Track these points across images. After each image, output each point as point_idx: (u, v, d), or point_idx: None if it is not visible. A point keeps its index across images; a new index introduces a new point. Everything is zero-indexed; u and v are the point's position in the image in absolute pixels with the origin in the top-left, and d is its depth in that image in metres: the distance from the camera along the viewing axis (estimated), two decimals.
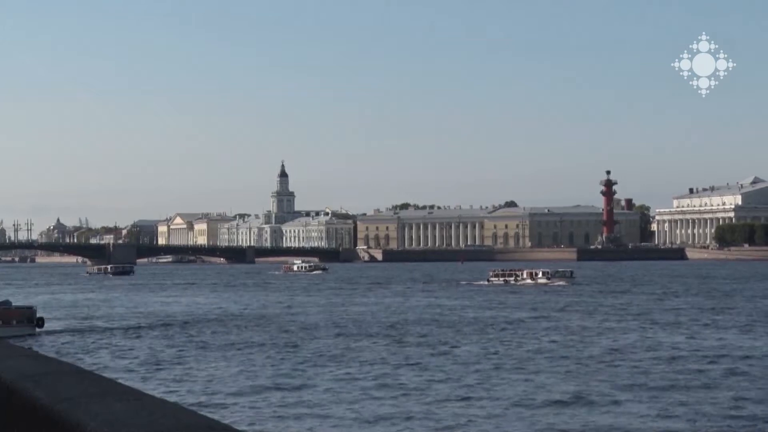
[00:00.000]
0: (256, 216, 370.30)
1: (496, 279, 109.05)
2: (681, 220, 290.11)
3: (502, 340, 44.72)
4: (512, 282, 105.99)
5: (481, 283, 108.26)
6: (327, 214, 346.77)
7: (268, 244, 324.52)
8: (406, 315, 61.87)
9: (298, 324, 55.85)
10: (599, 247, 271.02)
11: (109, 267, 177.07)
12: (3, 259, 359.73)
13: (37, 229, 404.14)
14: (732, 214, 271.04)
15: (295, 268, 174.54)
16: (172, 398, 25.51)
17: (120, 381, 5.06)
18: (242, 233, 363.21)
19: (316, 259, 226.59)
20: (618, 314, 60.11)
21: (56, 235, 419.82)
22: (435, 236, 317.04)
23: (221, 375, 34.11)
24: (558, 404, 27.07)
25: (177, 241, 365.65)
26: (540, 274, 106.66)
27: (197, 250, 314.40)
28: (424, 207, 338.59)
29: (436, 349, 41.25)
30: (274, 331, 51.21)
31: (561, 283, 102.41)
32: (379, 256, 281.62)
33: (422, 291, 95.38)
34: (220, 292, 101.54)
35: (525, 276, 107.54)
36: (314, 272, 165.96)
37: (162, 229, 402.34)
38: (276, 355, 40.06)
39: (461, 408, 26.86)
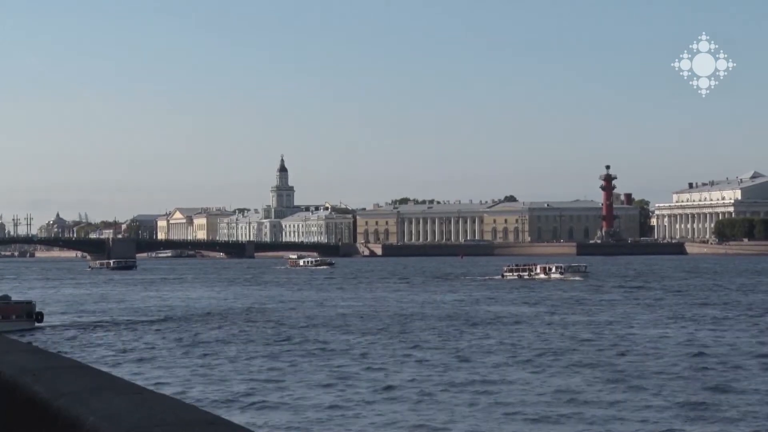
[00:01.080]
0: (256, 211, 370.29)
1: (510, 274, 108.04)
2: (680, 215, 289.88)
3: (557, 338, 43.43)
4: (526, 277, 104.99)
5: (496, 278, 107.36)
6: (326, 208, 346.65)
7: (267, 239, 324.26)
8: (444, 311, 60.10)
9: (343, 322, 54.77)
10: (599, 241, 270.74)
11: (111, 262, 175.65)
12: (2, 253, 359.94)
13: (37, 223, 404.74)
14: (731, 209, 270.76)
15: (301, 262, 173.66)
16: (173, 394, 25.49)
17: (120, 376, 4.99)
18: (242, 228, 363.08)
19: (315, 254, 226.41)
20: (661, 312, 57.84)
21: (56, 229, 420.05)
22: (434, 231, 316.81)
23: (224, 370, 34.07)
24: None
25: (176, 235, 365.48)
26: (554, 269, 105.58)
27: (197, 245, 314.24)
28: (423, 201, 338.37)
29: (489, 346, 40.37)
30: (300, 329, 50.32)
31: (575, 278, 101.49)
32: (378, 250, 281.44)
33: (443, 287, 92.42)
34: (228, 287, 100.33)
35: (539, 271, 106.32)
36: (321, 267, 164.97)
37: (161, 223, 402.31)
38: (288, 351, 39.73)
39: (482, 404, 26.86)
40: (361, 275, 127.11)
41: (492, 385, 29.58)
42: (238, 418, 24.24)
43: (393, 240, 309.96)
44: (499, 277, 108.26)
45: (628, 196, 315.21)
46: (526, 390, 28.59)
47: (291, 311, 62.49)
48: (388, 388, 29.33)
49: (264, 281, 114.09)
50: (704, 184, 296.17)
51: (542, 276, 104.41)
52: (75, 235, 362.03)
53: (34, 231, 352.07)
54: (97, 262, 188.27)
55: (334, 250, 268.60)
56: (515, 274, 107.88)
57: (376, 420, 24.67)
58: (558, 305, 64.43)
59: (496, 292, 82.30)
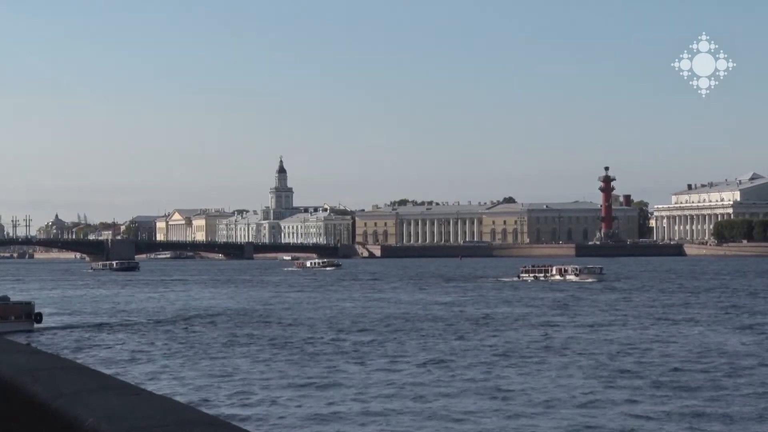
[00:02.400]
0: (255, 212, 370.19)
1: (526, 275, 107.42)
2: (679, 216, 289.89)
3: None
4: (542, 278, 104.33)
5: (512, 279, 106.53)
6: (325, 210, 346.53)
7: (266, 240, 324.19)
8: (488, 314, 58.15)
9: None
10: (598, 243, 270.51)
11: (114, 263, 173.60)
12: (1, 255, 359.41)
13: (36, 224, 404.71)
14: (730, 210, 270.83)
15: (308, 264, 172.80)
16: (173, 395, 25.46)
17: (119, 377, 4.97)
18: (240, 229, 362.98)
19: (314, 255, 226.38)
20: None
21: (55, 230, 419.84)
22: (433, 232, 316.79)
23: (226, 372, 34.00)
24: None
25: (175, 236, 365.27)
26: (569, 271, 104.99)
27: (196, 246, 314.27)
28: (422, 203, 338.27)
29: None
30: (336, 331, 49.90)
31: (591, 279, 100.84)
32: (377, 252, 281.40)
33: (464, 289, 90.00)
34: (237, 288, 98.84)
35: (554, 272, 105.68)
36: (328, 268, 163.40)
37: (160, 224, 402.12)
38: (299, 352, 39.60)
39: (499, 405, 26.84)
40: (371, 277, 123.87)
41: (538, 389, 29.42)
42: (237, 418, 24.22)
43: (392, 241, 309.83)
44: (516, 278, 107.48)
45: (627, 197, 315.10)
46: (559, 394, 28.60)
47: (324, 314, 60.13)
48: (417, 389, 29.35)
49: (277, 283, 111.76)
50: (703, 186, 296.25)
51: (558, 277, 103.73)
52: (74, 237, 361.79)
53: (33, 232, 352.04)
54: (99, 263, 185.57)
55: (333, 251, 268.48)
56: (531, 275, 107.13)
57: (384, 422, 24.65)
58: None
59: (529, 293, 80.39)
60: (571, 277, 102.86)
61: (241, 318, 57.84)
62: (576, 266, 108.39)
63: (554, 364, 34.63)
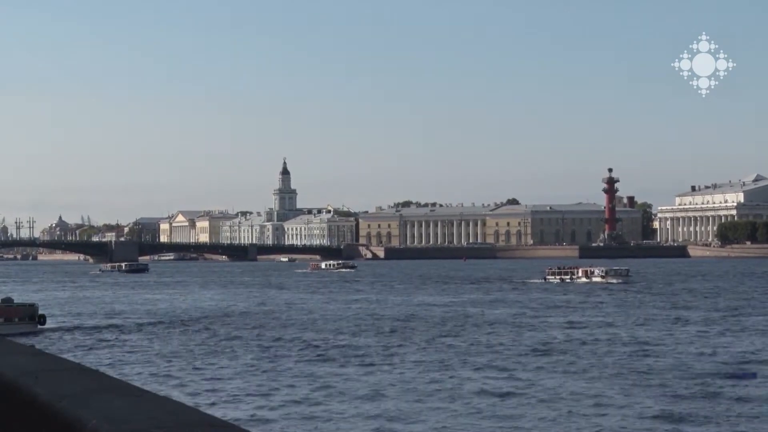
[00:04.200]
0: (258, 213, 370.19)
1: (552, 277, 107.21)
2: (683, 218, 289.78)
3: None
4: (567, 280, 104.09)
5: (538, 281, 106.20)
6: (329, 211, 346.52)
7: (270, 242, 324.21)
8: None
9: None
10: (601, 244, 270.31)
11: (123, 265, 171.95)
12: (5, 256, 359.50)
13: (39, 226, 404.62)
14: (734, 212, 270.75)
15: (323, 265, 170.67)
16: (175, 396, 25.44)
17: (122, 378, 4.99)
18: (244, 231, 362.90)
19: (318, 257, 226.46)
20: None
21: (58, 232, 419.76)
22: (437, 234, 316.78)
23: (227, 373, 33.96)
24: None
25: (179, 238, 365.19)
26: (595, 272, 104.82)
27: (199, 248, 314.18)
28: (425, 204, 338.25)
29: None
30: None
31: (617, 281, 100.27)
32: (381, 253, 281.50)
33: (503, 291, 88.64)
34: (251, 290, 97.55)
35: (580, 274, 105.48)
36: (344, 270, 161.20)
37: (164, 226, 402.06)
38: (305, 353, 39.54)
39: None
40: (394, 279, 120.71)
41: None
42: (239, 420, 24.18)
43: (395, 243, 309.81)
44: (542, 280, 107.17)
45: (631, 198, 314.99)
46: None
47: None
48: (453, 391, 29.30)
49: (297, 285, 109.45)
50: (707, 187, 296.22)
51: (584, 279, 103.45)
52: (77, 238, 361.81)
53: (36, 234, 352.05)
54: (108, 264, 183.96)
55: (336, 253, 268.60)
56: (557, 277, 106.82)
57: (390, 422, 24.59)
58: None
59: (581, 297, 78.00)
60: (597, 279, 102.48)
61: (277, 322, 56.31)
62: (602, 268, 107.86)
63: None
